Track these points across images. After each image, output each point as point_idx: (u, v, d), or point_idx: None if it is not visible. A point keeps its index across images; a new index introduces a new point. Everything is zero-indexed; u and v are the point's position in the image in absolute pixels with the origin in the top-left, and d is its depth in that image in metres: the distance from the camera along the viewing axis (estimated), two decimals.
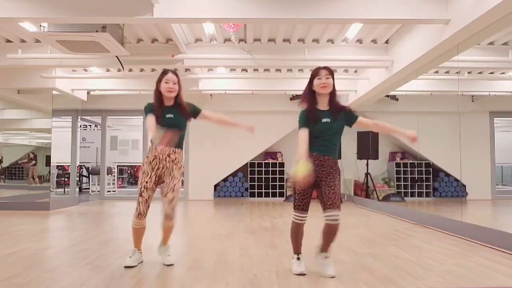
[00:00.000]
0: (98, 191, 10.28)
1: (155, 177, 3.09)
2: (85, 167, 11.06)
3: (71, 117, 9.51)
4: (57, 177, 10.78)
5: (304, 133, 2.89)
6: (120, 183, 13.51)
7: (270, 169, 9.72)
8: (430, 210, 8.08)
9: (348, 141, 9.09)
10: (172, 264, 3.15)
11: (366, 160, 8.75)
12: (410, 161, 9.64)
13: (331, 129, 2.90)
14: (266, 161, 9.79)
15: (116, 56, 5.87)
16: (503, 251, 3.66)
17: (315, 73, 2.93)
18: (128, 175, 14.93)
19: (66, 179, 10.72)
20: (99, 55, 5.72)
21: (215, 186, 9.66)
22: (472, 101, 9.06)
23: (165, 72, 3.13)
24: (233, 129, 9.91)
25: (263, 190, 9.69)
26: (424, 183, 9.47)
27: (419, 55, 5.30)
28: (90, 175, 11.00)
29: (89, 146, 11.45)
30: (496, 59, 6.18)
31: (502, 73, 7.58)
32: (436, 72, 7.32)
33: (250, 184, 9.69)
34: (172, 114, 3.11)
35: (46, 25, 4.82)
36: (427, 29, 5.04)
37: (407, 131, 2.98)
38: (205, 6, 4.38)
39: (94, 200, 9.59)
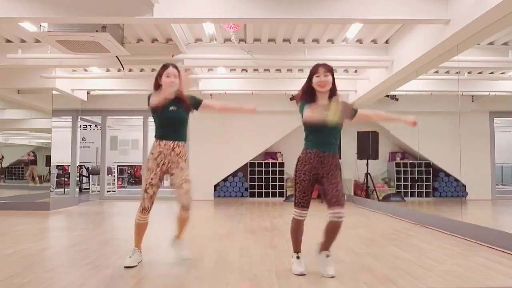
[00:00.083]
0: (98, 191, 10.28)
1: (160, 173, 3.11)
2: (85, 167, 11.06)
3: (71, 117, 9.51)
4: (57, 177, 10.77)
5: (310, 107, 2.84)
6: (120, 183, 13.50)
7: (270, 169, 9.72)
8: (430, 210, 8.08)
9: (348, 141, 9.10)
10: (189, 259, 3.18)
11: (366, 160, 8.75)
12: (410, 161, 9.63)
13: (331, 124, 2.89)
14: (266, 161, 9.79)
15: (116, 56, 5.88)
16: (503, 251, 3.66)
17: (314, 70, 2.92)
18: (128, 175, 14.93)
19: (66, 179, 10.72)
20: (99, 55, 5.72)
21: (215, 186, 9.66)
22: (472, 101, 9.05)
23: (165, 66, 3.14)
24: (233, 128, 9.89)
25: (263, 190, 9.68)
26: (424, 183, 9.47)
27: (419, 55, 5.30)
28: (90, 175, 11.00)
29: (89, 146, 11.46)
30: (496, 59, 6.18)
31: (502, 73, 7.58)
32: (436, 72, 7.31)
33: (250, 184, 9.69)
34: (175, 107, 3.12)
35: (46, 25, 4.82)
36: (427, 29, 5.04)
37: (407, 117, 3.03)
38: (205, 6, 4.38)
39: (94, 200, 9.59)
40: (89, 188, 10.75)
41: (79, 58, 6.21)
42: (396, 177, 9.53)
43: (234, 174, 9.74)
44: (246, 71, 7.86)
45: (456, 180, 9.30)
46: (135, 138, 11.96)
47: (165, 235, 4.68)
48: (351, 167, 9.28)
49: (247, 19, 4.64)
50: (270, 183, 9.69)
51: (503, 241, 3.75)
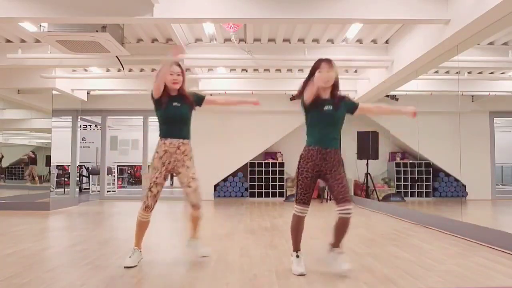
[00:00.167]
0: (98, 191, 10.28)
1: (165, 172, 3.13)
2: (85, 167, 11.06)
3: (71, 117, 9.51)
4: (57, 177, 10.77)
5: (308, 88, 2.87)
6: (120, 183, 13.50)
7: (270, 169, 9.72)
8: (430, 210, 8.08)
9: (348, 141, 9.09)
10: (208, 256, 3.20)
11: (366, 160, 8.75)
12: (410, 161, 9.63)
13: (333, 118, 2.90)
14: (266, 161, 9.79)
15: (116, 56, 5.88)
16: (503, 251, 3.66)
17: (316, 65, 2.91)
18: (128, 175, 14.93)
19: (66, 179, 10.72)
20: (99, 55, 5.72)
21: (215, 186, 9.66)
22: (472, 101, 9.05)
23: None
24: (233, 128, 9.90)
25: (263, 190, 9.69)
26: (424, 183, 9.47)
27: (419, 55, 5.30)
28: (90, 175, 11.00)
29: (89, 146, 11.46)
30: (496, 59, 6.18)
31: (502, 73, 7.58)
32: (436, 72, 7.32)
33: (250, 184, 9.69)
34: (179, 103, 3.13)
35: (46, 25, 4.82)
36: (427, 29, 5.04)
37: (406, 108, 3.06)
38: (205, 6, 4.38)
39: (94, 200, 9.59)
40: (89, 188, 10.76)
41: (79, 58, 6.21)
42: (396, 177, 9.53)
43: (234, 174, 9.74)
44: (246, 71, 7.86)
45: (456, 180, 9.30)
46: (135, 138, 11.96)
47: (165, 235, 4.69)
48: (351, 167, 9.28)
49: (247, 19, 4.63)
50: (270, 183, 9.69)
51: (503, 241, 3.75)
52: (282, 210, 7.45)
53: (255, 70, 7.75)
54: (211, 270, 3.00)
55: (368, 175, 8.72)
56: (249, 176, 9.70)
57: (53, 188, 9.50)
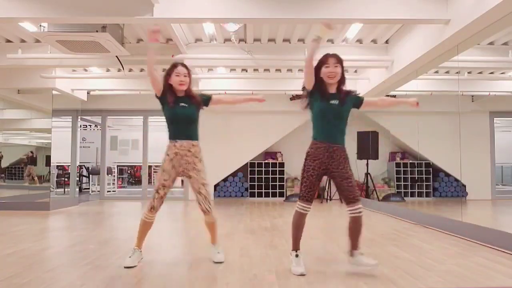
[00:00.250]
0: (98, 191, 10.28)
1: (175, 175, 3.15)
2: (85, 167, 11.06)
3: (71, 117, 9.51)
4: (57, 177, 10.77)
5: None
6: (120, 183, 13.51)
7: (270, 169, 9.72)
8: (430, 210, 8.08)
9: (348, 141, 9.03)
10: (222, 262, 3.18)
11: (366, 160, 8.75)
12: (410, 161, 9.63)
13: (339, 112, 2.90)
14: (266, 161, 9.79)
15: (116, 56, 5.88)
16: (503, 251, 3.66)
17: (323, 60, 2.92)
18: (128, 175, 14.94)
19: (66, 179, 10.72)
20: (99, 55, 5.72)
21: (215, 186, 9.65)
22: (472, 101, 9.05)
23: (175, 65, 3.16)
24: (233, 128, 9.90)
25: (263, 190, 9.69)
26: (424, 183, 9.47)
27: (419, 55, 5.30)
28: (90, 175, 11.00)
29: (89, 146, 11.45)
30: (496, 59, 6.18)
31: (502, 73, 7.58)
32: (436, 72, 7.32)
33: (250, 184, 9.69)
34: (186, 104, 3.14)
35: (46, 25, 4.82)
36: (427, 29, 5.04)
37: (408, 99, 3.15)
38: (205, 6, 4.38)
39: (94, 200, 9.60)
40: (89, 188, 10.76)
41: (79, 58, 6.22)
42: (396, 177, 9.53)
43: (234, 174, 9.74)
44: (246, 71, 7.86)
45: (456, 180, 9.30)
46: (135, 138, 11.94)
47: (165, 235, 4.68)
48: (351, 167, 9.28)
49: (247, 19, 4.63)
50: (270, 183, 9.69)
51: (503, 241, 3.75)
52: (282, 210, 7.45)
53: (255, 70, 7.75)
54: (211, 270, 3.00)
55: (368, 175, 8.72)
56: (249, 176, 9.70)
57: (53, 188, 9.49)
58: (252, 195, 9.67)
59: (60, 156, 9.69)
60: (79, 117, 9.64)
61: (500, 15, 3.85)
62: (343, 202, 2.95)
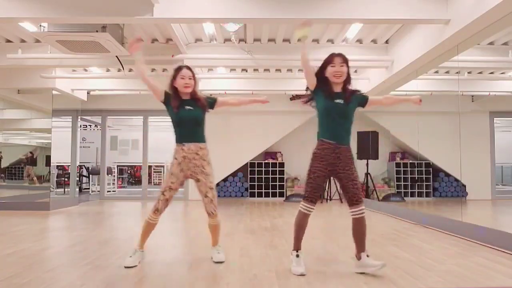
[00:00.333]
0: (98, 191, 10.28)
1: (183, 178, 3.17)
2: (85, 167, 11.06)
3: (71, 117, 9.51)
4: (57, 177, 10.77)
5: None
6: (120, 183, 13.51)
7: (270, 169, 9.72)
8: (430, 210, 8.08)
9: None
10: (222, 262, 3.19)
11: (366, 160, 8.75)
12: (410, 161, 9.64)
13: (344, 111, 2.90)
14: (266, 161, 9.79)
15: (116, 56, 5.88)
16: (503, 251, 3.66)
17: (329, 59, 2.92)
18: (128, 175, 14.94)
19: (66, 179, 10.72)
20: (99, 55, 5.72)
21: (215, 186, 9.64)
22: (472, 101, 9.05)
23: (179, 68, 3.18)
24: (233, 128, 9.89)
25: (263, 190, 9.68)
26: (424, 183, 9.47)
27: (419, 55, 5.30)
28: (90, 175, 11.00)
29: (89, 146, 11.45)
30: (496, 59, 6.18)
31: (502, 73, 7.58)
32: (436, 72, 7.31)
33: (250, 184, 9.69)
34: (192, 107, 3.15)
35: (46, 25, 4.82)
36: (427, 29, 5.04)
37: (411, 97, 3.18)
38: (205, 6, 4.38)
39: (94, 200, 9.60)
40: (89, 188, 10.76)
41: (79, 58, 6.22)
42: (396, 177, 9.53)
43: (234, 174, 9.74)
44: (246, 71, 7.86)
45: (456, 180, 9.30)
46: (135, 138, 11.95)
47: (165, 235, 4.68)
48: None
49: (247, 19, 4.63)
50: (270, 183, 9.69)
51: (503, 241, 3.75)
52: (282, 210, 7.45)
53: (255, 70, 7.75)
54: (211, 270, 3.00)
55: (368, 175, 8.72)
56: (249, 176, 9.69)
57: (53, 188, 9.49)
58: (252, 195, 9.67)
59: (60, 156, 9.69)
60: (79, 117, 9.64)
61: (500, 15, 3.85)
62: (346, 203, 2.95)
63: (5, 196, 8.31)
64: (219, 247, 3.33)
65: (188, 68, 3.18)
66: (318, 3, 4.35)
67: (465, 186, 8.93)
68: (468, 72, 7.33)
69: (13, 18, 4.36)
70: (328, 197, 9.32)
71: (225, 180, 9.72)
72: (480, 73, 7.46)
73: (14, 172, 9.85)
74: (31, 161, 9.67)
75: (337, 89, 2.94)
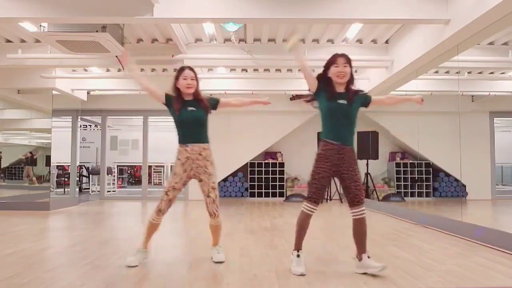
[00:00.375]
0: (98, 191, 10.28)
1: (186, 178, 3.18)
2: (85, 167, 11.06)
3: (71, 117, 9.51)
4: (57, 177, 10.77)
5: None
6: (120, 183, 13.51)
7: (270, 169, 9.72)
8: (430, 210, 8.08)
9: None
10: (222, 262, 3.18)
11: (366, 160, 8.75)
12: (410, 161, 9.64)
13: (347, 111, 2.90)
14: (266, 161, 9.79)
15: (116, 56, 5.87)
16: (503, 251, 3.66)
17: (332, 60, 2.92)
18: (128, 175, 14.94)
19: (66, 179, 10.72)
20: (99, 55, 5.72)
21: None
22: (472, 101, 9.05)
23: (182, 69, 3.18)
24: (233, 128, 9.90)
25: (263, 190, 9.68)
26: (424, 183, 9.47)
27: (419, 55, 5.30)
28: (90, 175, 11.00)
29: (89, 146, 11.45)
30: (496, 59, 6.18)
31: (502, 73, 7.58)
32: (436, 72, 7.32)
33: (250, 184, 9.69)
34: (194, 108, 3.15)
35: (46, 25, 4.82)
36: (427, 29, 5.04)
37: (412, 97, 3.20)
38: (205, 6, 4.38)
39: (94, 200, 9.59)
40: (89, 188, 10.75)
41: (79, 58, 6.21)
42: (396, 177, 9.53)
43: (234, 174, 9.74)
44: (246, 71, 7.86)
45: (456, 180, 9.30)
46: (135, 138, 11.95)
47: (165, 235, 4.68)
48: None
49: (247, 19, 4.64)
50: (270, 183, 9.69)
51: (503, 241, 3.75)
52: (282, 210, 7.45)
53: (255, 70, 7.75)
54: (211, 270, 3.00)
55: (368, 175, 8.72)
56: (249, 176, 9.69)
57: (53, 188, 9.50)
58: (252, 195, 9.67)
59: (60, 156, 9.69)
60: (79, 117, 9.64)
61: (500, 15, 3.85)
62: (347, 203, 2.95)
63: (5, 196, 8.31)
64: (219, 247, 3.33)
65: (191, 68, 3.18)
66: (318, 3, 4.35)
67: (465, 186, 8.93)
68: (468, 72, 7.33)
69: (13, 18, 4.36)
70: (328, 197, 9.32)
71: (225, 180, 9.72)
72: (480, 73, 7.47)
73: (14, 172, 9.85)
74: (31, 161, 9.67)
75: (340, 89, 2.94)
